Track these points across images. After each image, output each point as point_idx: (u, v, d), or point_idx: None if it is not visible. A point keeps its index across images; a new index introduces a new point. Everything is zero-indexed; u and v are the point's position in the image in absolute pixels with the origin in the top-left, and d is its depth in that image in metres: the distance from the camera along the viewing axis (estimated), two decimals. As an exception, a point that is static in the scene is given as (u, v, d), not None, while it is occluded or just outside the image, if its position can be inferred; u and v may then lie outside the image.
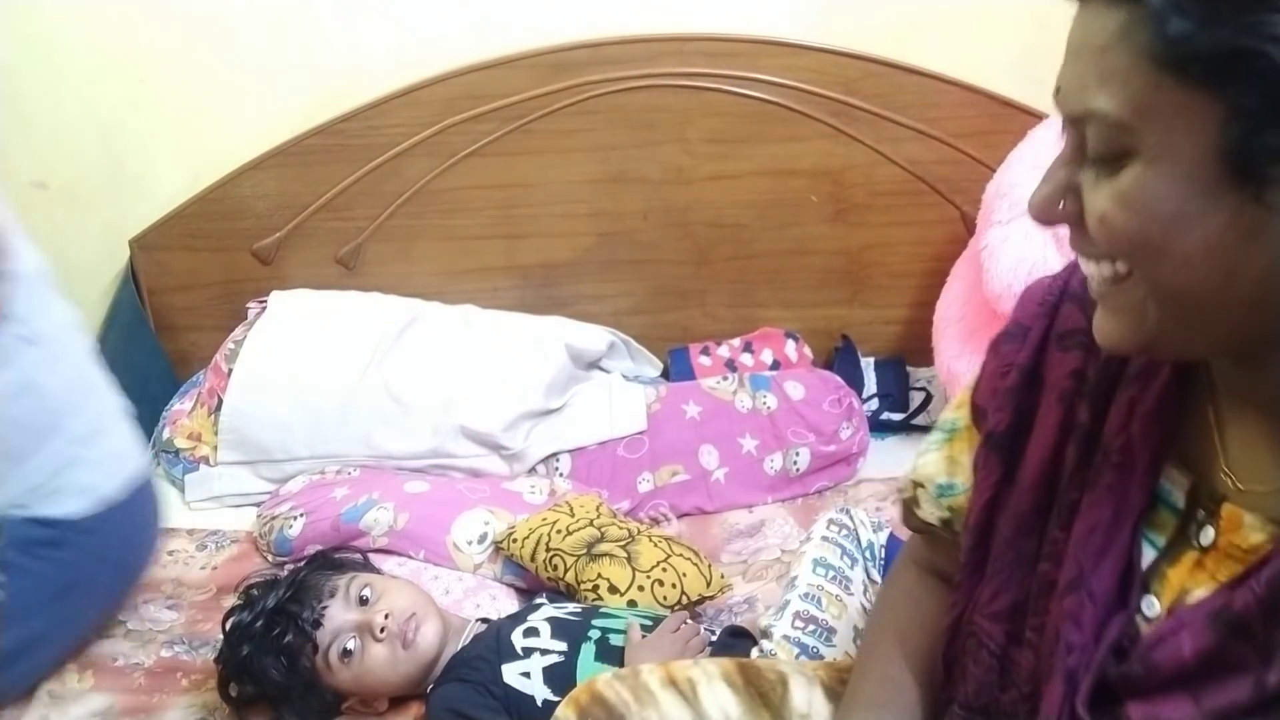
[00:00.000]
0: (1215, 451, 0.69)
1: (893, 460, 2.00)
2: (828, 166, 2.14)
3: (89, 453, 1.44)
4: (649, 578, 1.51)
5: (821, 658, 1.24)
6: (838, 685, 0.96)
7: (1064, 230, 0.65)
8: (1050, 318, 0.80)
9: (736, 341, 2.17)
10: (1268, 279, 0.57)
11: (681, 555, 1.57)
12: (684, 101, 2.09)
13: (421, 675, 1.37)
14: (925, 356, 2.06)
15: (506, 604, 1.59)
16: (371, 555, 1.60)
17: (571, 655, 1.32)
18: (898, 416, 2.11)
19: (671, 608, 1.49)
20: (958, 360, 1.92)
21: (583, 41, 2.06)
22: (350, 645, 1.32)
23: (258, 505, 1.81)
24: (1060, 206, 0.64)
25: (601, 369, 2.11)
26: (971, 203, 2.01)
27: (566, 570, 1.53)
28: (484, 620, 1.48)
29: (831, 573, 1.35)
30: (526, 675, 1.30)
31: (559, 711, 0.95)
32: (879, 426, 2.09)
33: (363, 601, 1.36)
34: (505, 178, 2.12)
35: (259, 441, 1.87)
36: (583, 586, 1.52)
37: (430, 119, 2.07)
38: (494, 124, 2.08)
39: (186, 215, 2.09)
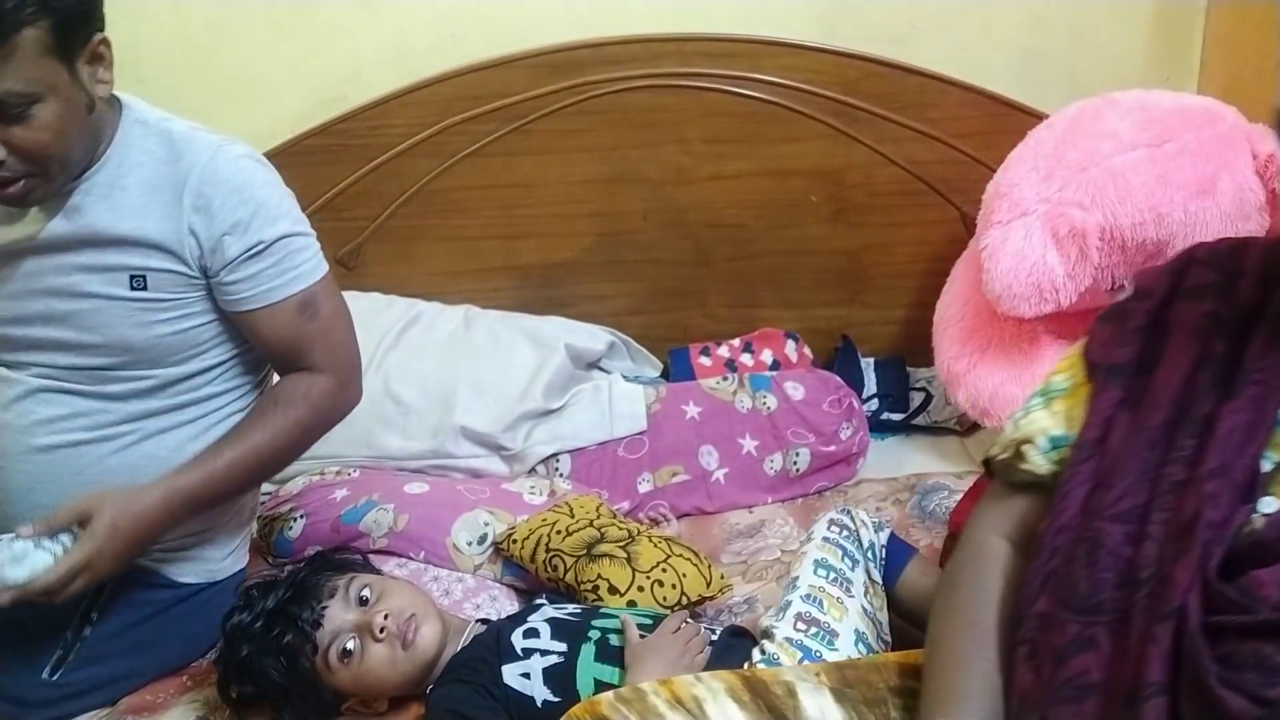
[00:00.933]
0: None
1: (893, 460, 2.00)
2: (828, 167, 2.14)
3: (221, 531, 1.50)
4: (649, 578, 1.51)
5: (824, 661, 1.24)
6: (844, 687, 0.95)
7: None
8: (1176, 277, 0.90)
9: (736, 342, 2.17)
10: None
11: (681, 556, 1.57)
12: (684, 102, 2.10)
13: (421, 676, 1.37)
14: (925, 357, 2.06)
15: (506, 605, 1.59)
16: (371, 556, 1.60)
17: (571, 656, 1.32)
18: (898, 416, 2.11)
19: (671, 608, 1.49)
20: (958, 360, 1.92)
21: (582, 41, 2.07)
22: (350, 646, 1.32)
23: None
24: None
25: (601, 369, 2.11)
26: (971, 203, 2.01)
27: (566, 571, 1.53)
28: (484, 621, 1.47)
29: (832, 574, 1.35)
30: (526, 676, 1.30)
31: None
32: (879, 426, 2.09)
33: (362, 602, 1.36)
34: (505, 178, 2.12)
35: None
36: (583, 587, 1.51)
37: (430, 119, 2.08)
38: (494, 124, 2.09)
39: (187, 215, 2.09)
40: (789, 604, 1.30)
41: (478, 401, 1.89)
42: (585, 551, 1.54)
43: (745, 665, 1.23)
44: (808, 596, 1.31)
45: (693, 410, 1.93)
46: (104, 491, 1.26)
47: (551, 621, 1.38)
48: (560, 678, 1.29)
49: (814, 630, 1.27)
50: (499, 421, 1.87)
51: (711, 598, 1.57)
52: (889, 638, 1.36)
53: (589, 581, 1.51)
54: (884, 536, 1.45)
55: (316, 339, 1.41)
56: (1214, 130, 1.76)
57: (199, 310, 1.38)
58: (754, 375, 2.01)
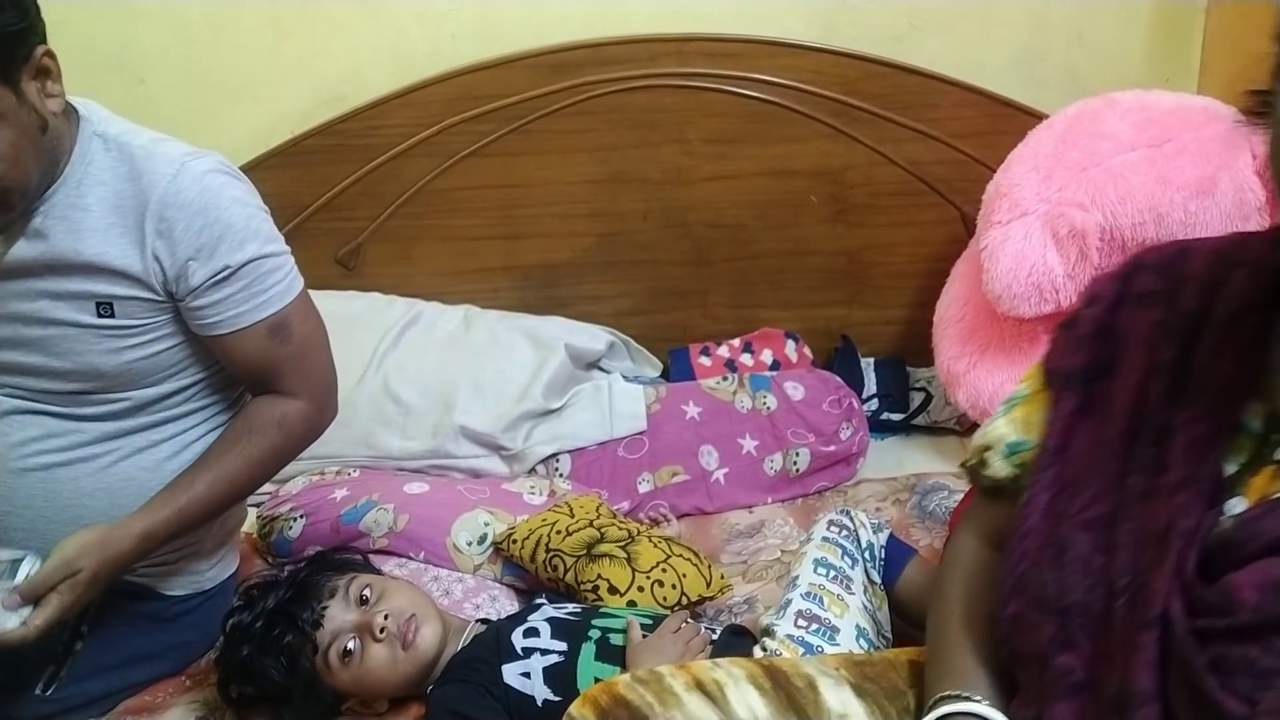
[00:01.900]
0: None
1: (892, 460, 2.00)
2: (828, 167, 2.14)
3: (208, 544, 1.48)
4: (649, 578, 1.51)
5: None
6: (864, 683, 0.95)
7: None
8: (1124, 283, 0.89)
9: (736, 342, 2.17)
10: None
11: (681, 556, 1.57)
12: (684, 102, 2.10)
13: (421, 676, 1.37)
14: (925, 357, 2.06)
15: (506, 605, 1.59)
16: (372, 556, 1.60)
17: (572, 655, 1.32)
18: (897, 417, 2.11)
19: (671, 608, 1.49)
20: (958, 360, 1.92)
21: (582, 41, 2.07)
22: (350, 646, 1.32)
23: (257, 506, 1.80)
24: None
25: (601, 369, 2.11)
26: (971, 203, 2.01)
27: (566, 571, 1.53)
28: (484, 621, 1.47)
29: (833, 572, 1.35)
30: (526, 675, 1.30)
31: (574, 711, 0.93)
32: (879, 427, 2.09)
33: (363, 602, 1.36)
34: (505, 178, 2.12)
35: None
36: (582, 587, 1.51)
37: (430, 119, 2.08)
38: (493, 124, 2.09)
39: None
40: (789, 602, 1.31)
41: (477, 401, 1.89)
42: (585, 551, 1.54)
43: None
44: (808, 594, 1.31)
45: (693, 410, 1.93)
46: (83, 540, 1.23)
47: (552, 621, 1.38)
48: (560, 677, 1.30)
49: (815, 627, 1.27)
50: (499, 421, 1.87)
51: (711, 598, 1.57)
52: (890, 635, 1.36)
53: (589, 581, 1.51)
54: (883, 537, 1.45)
55: (289, 362, 1.37)
56: (1214, 130, 1.76)
57: (169, 334, 1.34)
58: (754, 375, 2.00)
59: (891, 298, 2.22)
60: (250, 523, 1.74)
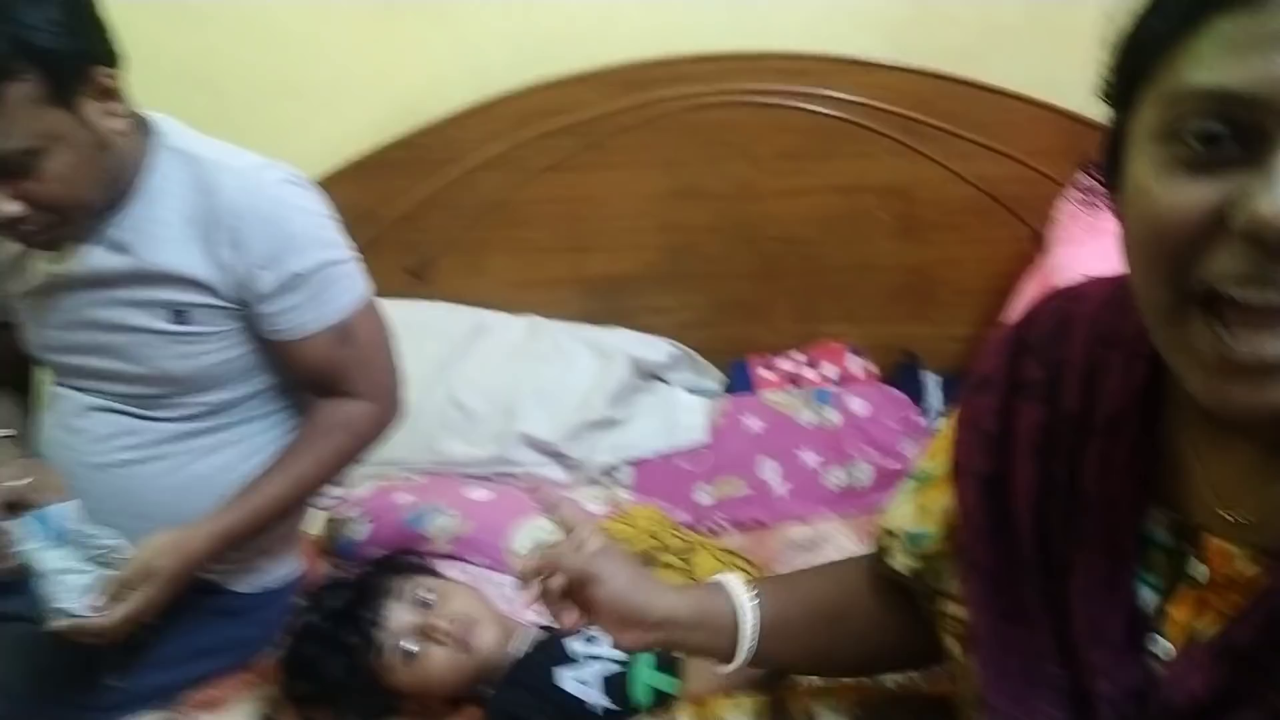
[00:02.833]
0: (1196, 486, 0.69)
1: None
2: (897, 183, 2.13)
3: (274, 543, 1.52)
4: (707, 588, 1.52)
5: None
6: (871, 716, 0.96)
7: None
8: (1011, 368, 0.79)
9: (799, 355, 2.17)
10: None
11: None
12: (754, 118, 2.11)
13: (480, 679, 1.39)
14: (992, 375, 2.03)
15: (565, 612, 1.61)
16: (434, 561, 1.62)
17: (630, 664, 1.33)
18: (962, 435, 2.09)
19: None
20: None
21: (655, 59, 2.09)
22: (411, 647, 1.35)
23: (323, 509, 1.85)
24: None
25: (663, 381, 2.12)
26: (1043, 221, 1.99)
27: (624, 580, 1.54)
28: (544, 627, 1.49)
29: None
30: (584, 683, 1.32)
31: None
32: (943, 445, 2.06)
33: (424, 605, 1.39)
34: (575, 191, 2.15)
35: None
36: (640, 597, 1.52)
37: (503, 133, 2.12)
38: (566, 139, 2.12)
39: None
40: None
41: (540, 410, 1.92)
42: (645, 561, 1.55)
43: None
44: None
45: (754, 423, 1.94)
46: (162, 543, 1.28)
47: (609, 629, 1.40)
48: (619, 685, 1.30)
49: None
50: (561, 430, 1.90)
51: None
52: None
53: (646, 591, 1.52)
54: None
55: (355, 366, 1.41)
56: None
57: (240, 340, 1.39)
58: (817, 389, 2.00)
59: (958, 314, 2.20)
60: (317, 525, 1.79)
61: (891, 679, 1.15)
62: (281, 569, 1.56)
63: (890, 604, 0.93)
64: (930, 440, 0.93)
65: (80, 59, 1.19)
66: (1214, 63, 0.55)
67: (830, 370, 2.11)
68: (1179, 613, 0.69)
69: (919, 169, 2.12)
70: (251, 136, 2.17)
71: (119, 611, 1.23)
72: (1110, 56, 0.64)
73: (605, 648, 1.36)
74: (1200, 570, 0.68)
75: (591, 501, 1.79)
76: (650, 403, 1.99)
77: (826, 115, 2.10)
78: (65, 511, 1.27)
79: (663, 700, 1.26)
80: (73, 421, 1.42)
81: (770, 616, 0.91)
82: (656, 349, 2.10)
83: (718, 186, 2.15)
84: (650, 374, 2.09)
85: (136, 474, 1.40)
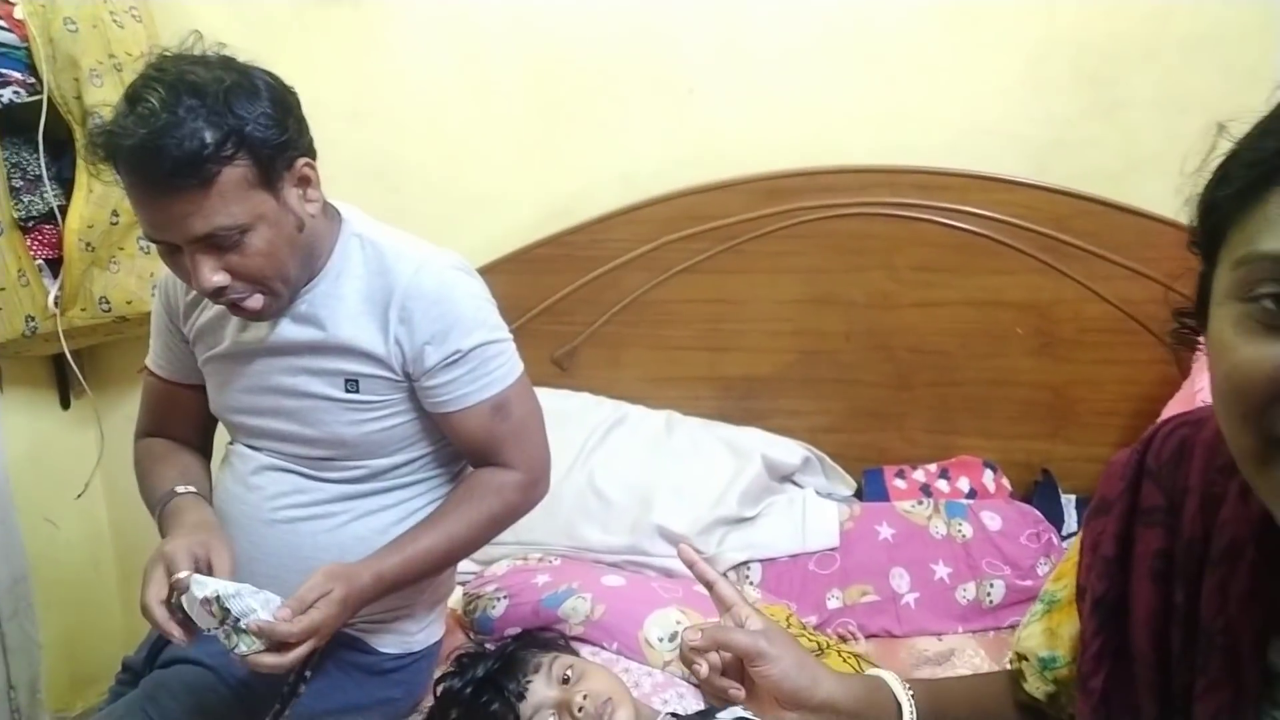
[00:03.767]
0: None
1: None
2: (1035, 300, 2.14)
3: (419, 608, 1.60)
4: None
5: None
6: None
7: None
8: (1133, 493, 0.80)
9: (933, 467, 2.16)
10: None
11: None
12: (893, 230, 2.16)
13: (612, 760, 1.41)
14: (1130, 498, 1.99)
15: (693, 703, 1.62)
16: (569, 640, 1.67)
17: (758, 760, 1.34)
18: (1099, 557, 2.04)
19: None
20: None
21: (798, 170, 2.17)
22: (550, 721, 1.39)
23: (463, 584, 1.92)
24: None
25: (795, 483, 2.15)
26: (1185, 345, 1.96)
27: (755, 675, 1.55)
28: (674, 715, 1.51)
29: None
30: (713, 773, 1.33)
31: None
32: (1078, 566, 2.03)
33: (564, 681, 1.42)
34: (715, 293, 2.22)
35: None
36: (769, 693, 1.53)
37: (649, 236, 2.22)
38: (708, 243, 2.21)
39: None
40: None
41: (675, 503, 1.96)
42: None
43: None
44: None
45: (886, 531, 1.94)
46: (334, 570, 1.36)
47: (740, 721, 1.41)
48: (745, 780, 1.31)
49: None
50: (694, 524, 1.93)
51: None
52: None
53: (776, 688, 1.53)
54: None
55: (509, 439, 1.49)
56: None
57: (404, 409, 1.48)
58: (950, 502, 2.00)
59: (1097, 435, 2.17)
60: (456, 598, 1.85)
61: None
62: (424, 633, 1.62)
63: None
64: (1059, 564, 0.94)
65: (285, 149, 1.32)
66: None
67: (964, 484, 2.11)
68: None
69: (1059, 287, 2.12)
70: (424, 229, 2.35)
71: (302, 622, 1.27)
72: (1193, 213, 0.67)
73: (735, 742, 1.37)
74: None
75: (721, 596, 1.81)
76: (783, 504, 2.01)
77: (965, 230, 2.14)
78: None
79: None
80: (249, 478, 1.53)
81: (924, 716, 0.92)
82: (790, 451, 2.13)
83: (854, 294, 2.20)
84: (783, 475, 2.11)
85: (303, 530, 1.49)
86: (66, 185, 2.10)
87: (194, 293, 1.45)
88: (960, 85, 2.15)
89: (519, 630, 1.65)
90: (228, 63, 1.31)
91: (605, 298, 2.26)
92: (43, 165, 2.06)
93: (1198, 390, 1.79)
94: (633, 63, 2.23)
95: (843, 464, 2.22)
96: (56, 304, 2.11)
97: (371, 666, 1.56)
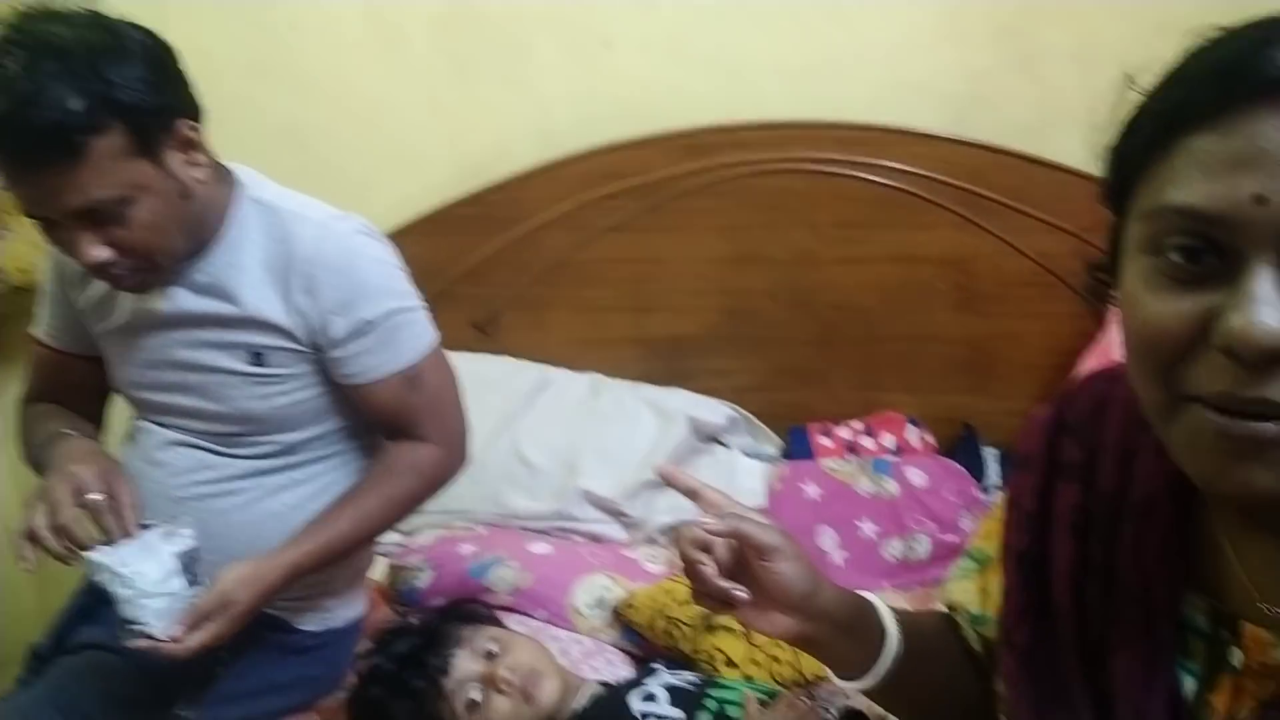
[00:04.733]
0: (1233, 574, 0.69)
1: (1014, 552, 1.97)
2: (956, 255, 2.15)
3: (338, 583, 1.55)
4: (765, 654, 1.52)
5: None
6: None
7: None
8: (1052, 449, 0.80)
9: (858, 424, 2.17)
10: None
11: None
12: (814, 186, 2.14)
13: (540, 732, 1.40)
14: (1051, 449, 2.03)
15: (623, 668, 1.61)
16: (495, 612, 1.64)
17: (691, 720, 1.33)
18: (1020, 509, 2.08)
19: (787, 685, 1.49)
20: (1086, 455, 1.89)
21: (718, 125, 2.14)
22: (475, 696, 1.36)
23: (387, 555, 1.88)
24: None
25: (721, 444, 2.13)
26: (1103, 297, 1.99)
27: (683, 640, 1.55)
28: (603, 683, 1.50)
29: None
30: (644, 739, 1.32)
31: None
32: (1001, 518, 2.06)
33: (489, 655, 1.40)
34: (638, 253, 2.19)
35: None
36: (698, 657, 1.53)
37: (569, 193, 2.17)
38: (629, 201, 2.17)
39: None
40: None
41: (602, 467, 1.94)
42: (703, 622, 1.55)
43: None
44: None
45: (812, 490, 1.94)
46: (240, 574, 1.30)
47: (669, 688, 1.40)
48: (677, 743, 1.31)
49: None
50: (621, 488, 1.92)
51: (826, 678, 1.56)
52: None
53: (705, 653, 1.52)
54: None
55: (423, 411, 1.44)
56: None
57: (313, 382, 1.42)
58: (875, 459, 2.01)
59: (1017, 389, 2.19)
60: (380, 571, 1.81)
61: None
62: (347, 610, 1.58)
63: (964, 668, 0.93)
64: (985, 520, 0.94)
65: (163, 113, 1.23)
66: (1187, 182, 0.57)
67: (889, 440, 2.12)
68: (1219, 701, 0.69)
69: (978, 242, 2.13)
70: (332, 192, 2.26)
71: (194, 639, 1.25)
72: (1103, 166, 0.66)
73: (665, 706, 1.36)
74: (1237, 656, 0.68)
75: (649, 561, 1.80)
76: (709, 465, 2.00)
77: (886, 185, 2.13)
78: (161, 535, 1.29)
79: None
80: (155, 455, 1.46)
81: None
82: (716, 412, 2.12)
83: (777, 252, 2.18)
84: (709, 436, 2.10)
85: (212, 507, 1.43)
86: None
87: None
88: (877, 38, 2.14)
89: (444, 602, 1.61)
90: (95, 19, 1.21)
91: (526, 259, 2.21)
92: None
93: (1113, 343, 1.82)
94: (546, 14, 2.16)
95: (768, 423, 2.21)
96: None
97: (292, 645, 1.51)
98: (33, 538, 1.22)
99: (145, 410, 1.48)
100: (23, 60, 1.13)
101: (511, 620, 1.65)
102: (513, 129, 2.22)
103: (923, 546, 1.89)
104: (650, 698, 1.38)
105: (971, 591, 0.90)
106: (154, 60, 1.23)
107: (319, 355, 1.41)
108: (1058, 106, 2.12)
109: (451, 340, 2.20)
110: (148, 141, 1.22)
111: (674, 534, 0.99)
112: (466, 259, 2.20)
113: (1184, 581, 0.72)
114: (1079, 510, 0.77)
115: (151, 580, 1.22)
